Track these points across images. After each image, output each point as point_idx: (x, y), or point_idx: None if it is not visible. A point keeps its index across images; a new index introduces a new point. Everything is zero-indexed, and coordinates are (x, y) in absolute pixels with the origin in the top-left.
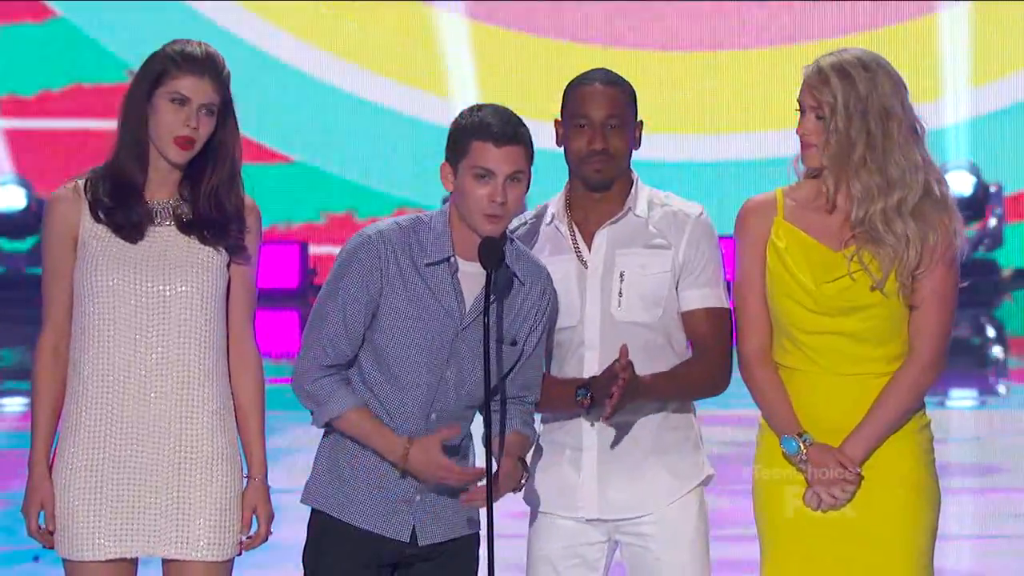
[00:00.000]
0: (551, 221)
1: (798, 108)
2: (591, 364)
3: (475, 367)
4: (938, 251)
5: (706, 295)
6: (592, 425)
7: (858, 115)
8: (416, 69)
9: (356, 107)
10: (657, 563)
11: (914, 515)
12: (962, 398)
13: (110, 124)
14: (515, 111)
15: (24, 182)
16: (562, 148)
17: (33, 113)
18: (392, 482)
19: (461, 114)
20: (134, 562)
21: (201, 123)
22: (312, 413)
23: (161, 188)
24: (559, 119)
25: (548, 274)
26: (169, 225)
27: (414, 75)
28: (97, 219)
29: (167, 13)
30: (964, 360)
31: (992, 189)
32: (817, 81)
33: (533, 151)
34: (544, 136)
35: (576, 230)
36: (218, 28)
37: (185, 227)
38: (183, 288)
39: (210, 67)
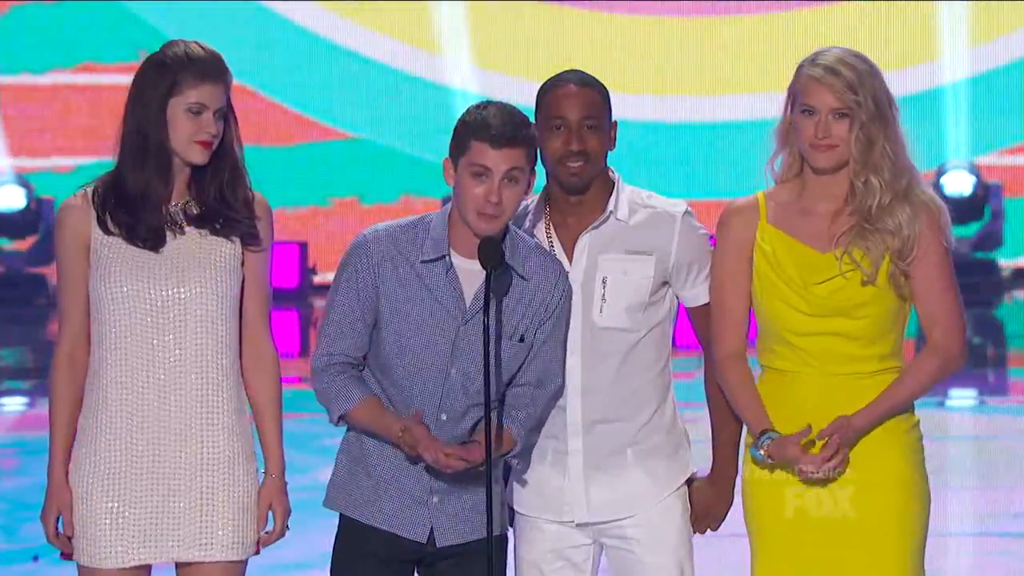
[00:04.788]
0: (528, 226)
1: (805, 110)
2: (573, 370)
3: (481, 365)
4: (928, 234)
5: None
6: (577, 427)
7: (874, 106)
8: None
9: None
10: (641, 566)
11: (905, 514)
12: (962, 398)
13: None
14: (517, 103)
15: (24, 182)
16: (538, 151)
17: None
18: (410, 486)
19: (467, 110)
20: (148, 569)
21: (217, 127)
22: (329, 413)
23: (174, 192)
24: (532, 123)
25: (561, 268)
26: (181, 225)
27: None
28: (107, 231)
29: None
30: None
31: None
32: (833, 80)
33: (535, 152)
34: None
35: (554, 235)
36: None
37: (196, 221)
38: (198, 290)
39: (220, 71)
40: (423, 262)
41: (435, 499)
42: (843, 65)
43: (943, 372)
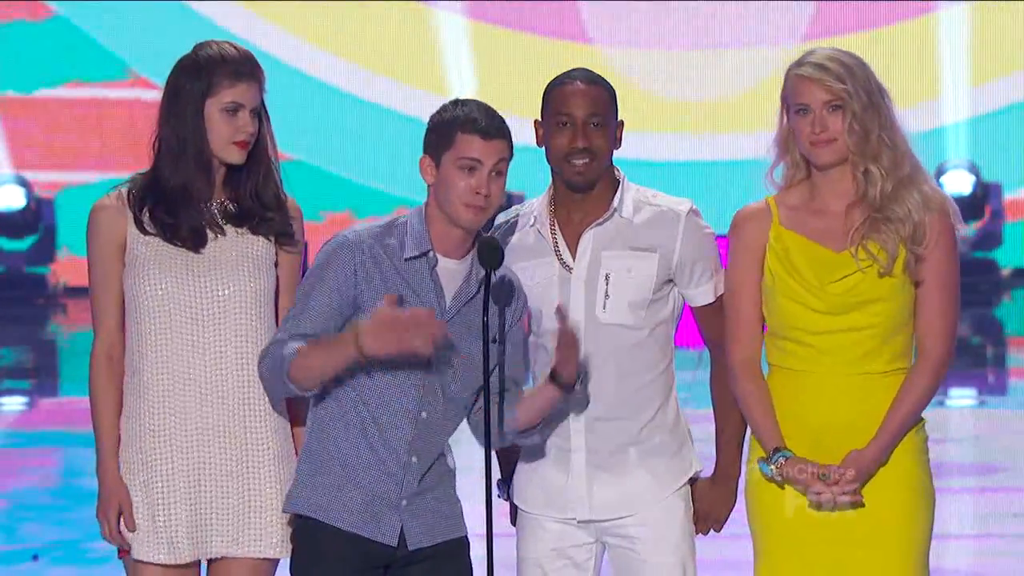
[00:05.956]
0: (533, 223)
1: (799, 110)
2: None
3: (459, 366)
4: (936, 229)
5: (718, 285)
6: (580, 424)
7: (866, 96)
8: (416, 69)
9: (356, 107)
10: (643, 565)
11: (911, 515)
12: (962, 398)
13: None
14: (514, 111)
15: (23, 181)
16: (543, 148)
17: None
18: (380, 488)
19: (442, 108)
20: (197, 566)
21: (253, 126)
22: (276, 388)
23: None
24: (539, 120)
25: (517, 276)
26: (219, 226)
27: (414, 75)
28: (144, 231)
29: (165, 13)
30: (964, 360)
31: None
32: (821, 75)
33: (513, 145)
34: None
35: (559, 232)
36: (217, 27)
37: (234, 219)
38: (236, 288)
39: (254, 71)
40: (406, 260)
41: (404, 502)
42: (829, 60)
43: (936, 384)
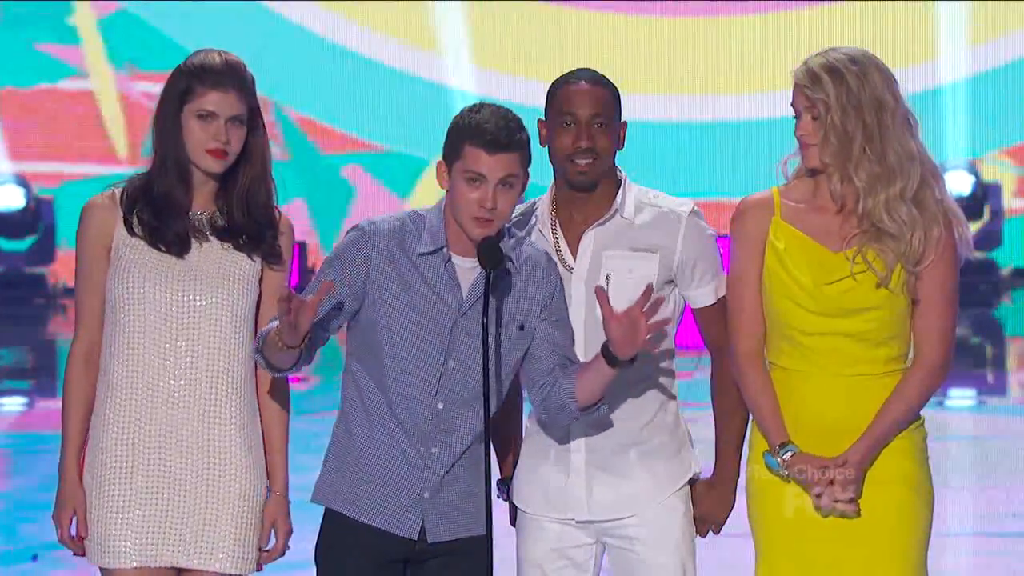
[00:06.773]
0: (535, 222)
1: (794, 113)
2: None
3: (478, 356)
4: (941, 244)
5: (719, 287)
6: (580, 425)
7: (852, 109)
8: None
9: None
10: (643, 565)
11: (910, 513)
12: (961, 398)
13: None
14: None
15: (23, 181)
16: (546, 148)
17: None
18: (401, 480)
19: (461, 112)
20: (172, 570)
21: (232, 135)
22: (261, 363)
23: (198, 200)
24: (543, 119)
25: (548, 257)
26: (205, 236)
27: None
28: (131, 233)
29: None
30: (964, 360)
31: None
32: (808, 82)
33: (529, 155)
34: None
35: (560, 232)
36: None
37: (221, 234)
38: (213, 300)
39: (233, 79)
40: (421, 254)
41: (426, 495)
42: (824, 69)
43: (930, 389)
